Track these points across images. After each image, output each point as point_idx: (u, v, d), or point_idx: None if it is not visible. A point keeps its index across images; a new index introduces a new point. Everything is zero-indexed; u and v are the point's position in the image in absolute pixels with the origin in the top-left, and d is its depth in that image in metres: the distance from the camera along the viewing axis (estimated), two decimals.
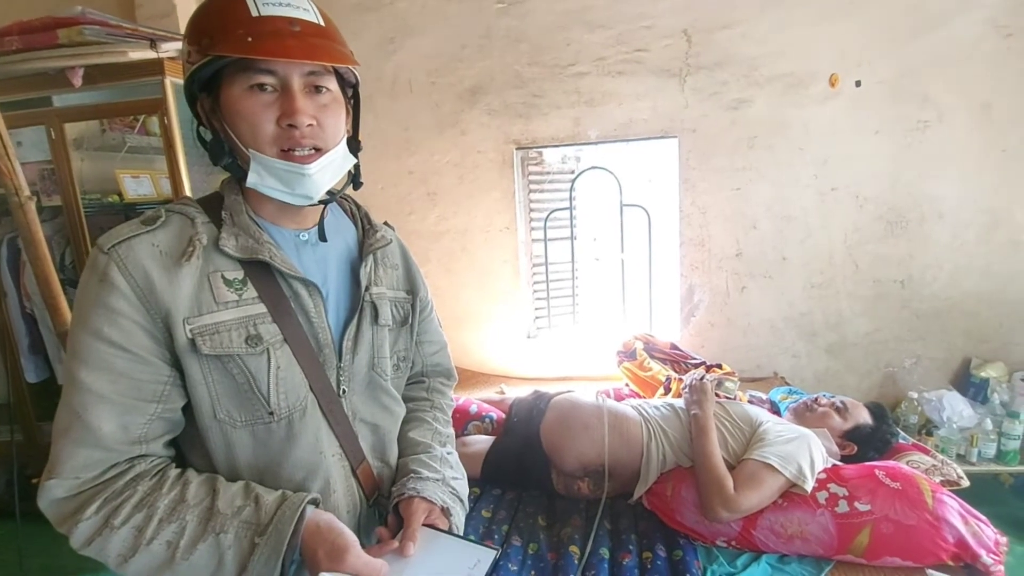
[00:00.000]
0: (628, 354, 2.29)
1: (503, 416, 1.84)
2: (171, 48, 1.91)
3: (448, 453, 0.93)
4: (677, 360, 2.31)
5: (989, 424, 2.16)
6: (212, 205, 0.75)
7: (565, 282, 2.76)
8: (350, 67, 0.74)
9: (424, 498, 0.81)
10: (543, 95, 2.48)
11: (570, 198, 2.65)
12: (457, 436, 1.77)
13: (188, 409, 0.71)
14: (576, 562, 1.30)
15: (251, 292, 0.71)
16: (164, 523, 0.64)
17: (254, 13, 0.65)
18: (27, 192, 1.39)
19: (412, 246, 0.99)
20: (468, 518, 1.46)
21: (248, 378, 0.70)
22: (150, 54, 1.85)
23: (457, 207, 2.65)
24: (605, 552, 1.33)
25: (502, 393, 2.41)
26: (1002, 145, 2.26)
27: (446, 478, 0.87)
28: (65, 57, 1.79)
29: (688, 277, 2.55)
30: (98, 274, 0.65)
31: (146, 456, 0.69)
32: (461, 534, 0.84)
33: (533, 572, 1.30)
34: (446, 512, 0.82)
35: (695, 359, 2.30)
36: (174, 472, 0.69)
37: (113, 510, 0.64)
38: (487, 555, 0.74)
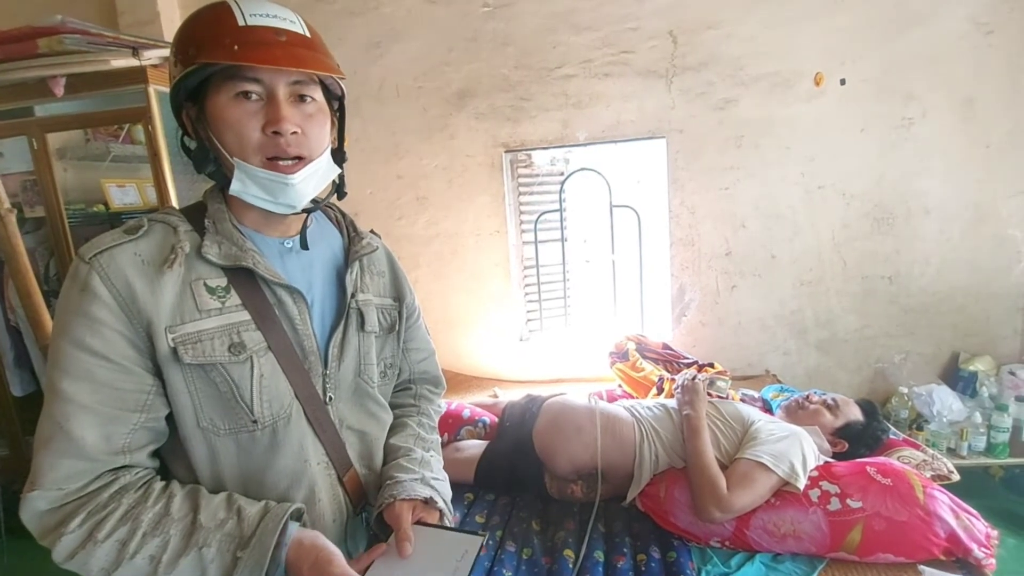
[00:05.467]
0: (620, 355, 2.29)
1: (496, 420, 1.83)
2: (154, 55, 1.90)
3: (430, 456, 0.93)
4: (669, 360, 2.31)
5: (978, 417, 2.18)
6: (195, 214, 0.75)
7: (556, 284, 2.76)
8: (336, 79, 0.75)
9: (404, 499, 0.80)
10: (531, 98, 2.48)
11: (560, 200, 2.65)
12: (451, 441, 1.77)
13: (171, 418, 0.71)
14: (571, 566, 1.29)
15: (234, 299, 0.71)
16: (148, 537, 0.63)
17: (241, 23, 0.66)
18: (7, 205, 1.37)
19: (402, 251, 0.99)
20: (462, 524, 1.46)
21: (231, 386, 0.70)
22: (133, 62, 1.84)
23: (447, 211, 2.64)
24: (599, 555, 1.33)
25: (495, 397, 2.41)
26: (986, 141, 2.29)
27: (425, 478, 0.86)
28: (46, 66, 1.77)
29: (678, 277, 2.55)
30: (79, 284, 0.64)
31: (131, 467, 0.68)
32: (448, 525, 0.83)
33: None
34: (431, 503, 0.82)
35: (687, 358, 2.31)
36: (159, 485, 0.69)
37: (97, 523, 0.63)
38: (473, 542, 0.74)
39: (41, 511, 0.63)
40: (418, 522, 0.79)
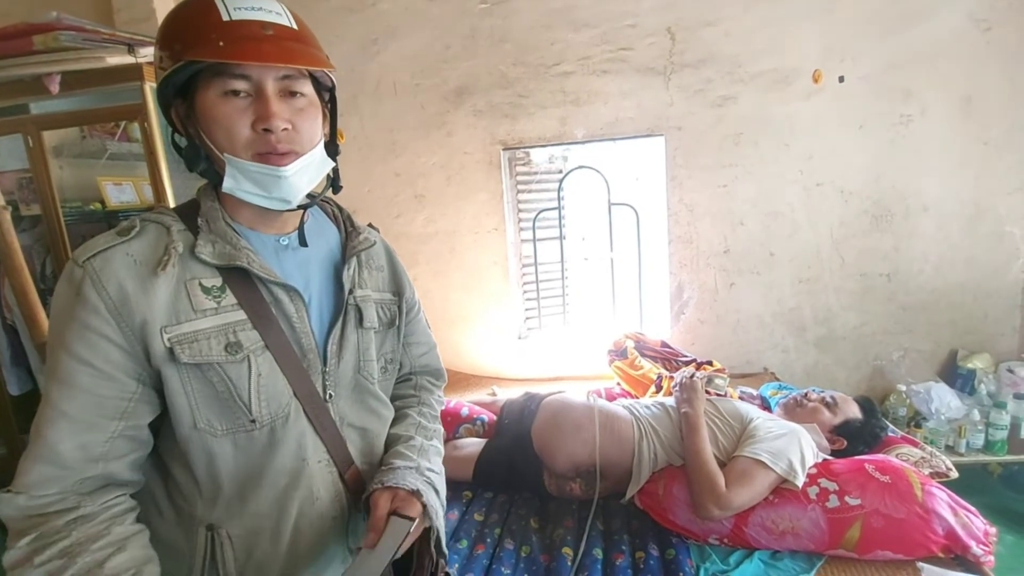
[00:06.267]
0: (619, 353, 2.29)
1: (495, 418, 1.83)
2: (150, 53, 1.88)
3: (430, 445, 0.91)
4: (668, 358, 2.31)
5: (976, 415, 2.18)
6: (188, 213, 0.74)
7: (555, 282, 2.75)
8: (326, 71, 0.73)
9: (388, 487, 0.78)
10: (529, 95, 2.48)
11: (558, 198, 2.65)
12: (449, 439, 1.76)
13: (168, 421, 0.70)
14: (569, 563, 1.29)
15: (230, 299, 0.71)
16: None
17: (225, 18, 0.65)
18: (1, 203, 1.36)
19: (401, 248, 0.98)
20: (460, 522, 1.46)
21: (228, 386, 0.69)
22: (128, 59, 1.83)
23: (445, 209, 2.64)
24: (598, 553, 1.33)
25: (493, 395, 2.40)
26: (984, 138, 2.28)
27: (420, 467, 0.84)
28: (41, 64, 1.76)
29: (677, 275, 2.55)
30: (72, 288, 0.64)
31: (101, 491, 0.67)
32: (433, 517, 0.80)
33: (526, 575, 1.29)
34: (417, 495, 0.78)
35: (685, 356, 2.30)
36: (119, 530, 0.66)
37: (40, 547, 0.62)
38: (403, 527, 0.73)
39: (5, 516, 0.63)
40: (395, 512, 0.76)
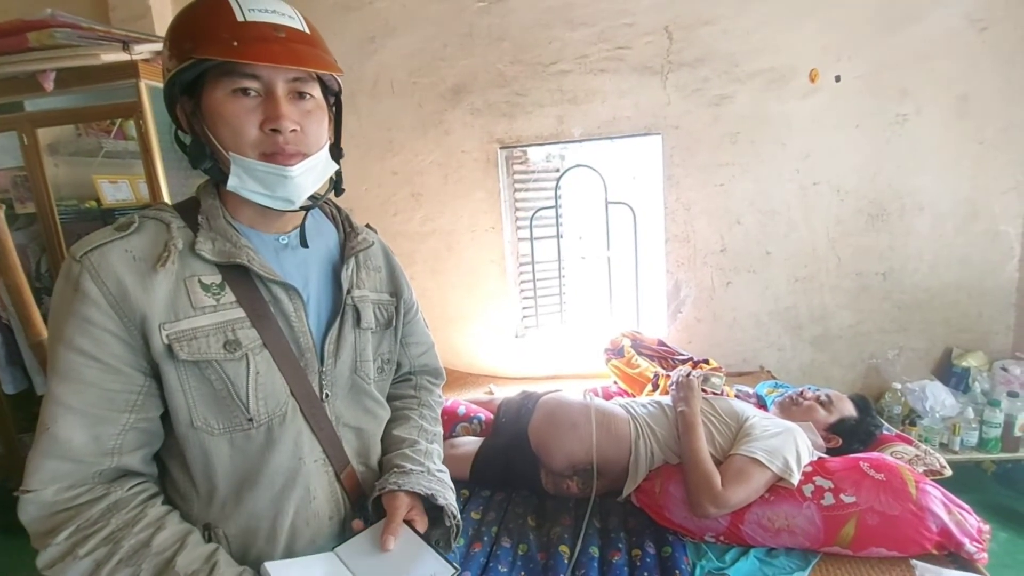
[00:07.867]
0: (616, 351, 2.29)
1: (491, 417, 1.83)
2: (145, 50, 1.88)
3: (433, 448, 0.93)
4: (665, 356, 2.32)
5: (971, 413, 2.19)
6: (188, 210, 0.74)
7: (552, 281, 2.76)
8: (333, 75, 0.74)
9: (407, 492, 0.80)
10: (526, 93, 2.48)
11: (555, 196, 2.65)
12: (446, 438, 1.76)
13: (167, 418, 0.70)
14: (566, 562, 1.29)
15: (229, 297, 0.71)
16: (122, 565, 0.63)
17: (240, 18, 0.65)
18: None
19: (397, 247, 0.99)
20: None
21: (227, 384, 0.70)
22: (123, 56, 1.82)
23: (442, 207, 2.64)
24: (595, 551, 1.33)
25: (491, 393, 2.40)
26: (979, 137, 2.29)
27: (431, 470, 0.86)
28: (36, 61, 1.75)
29: (674, 273, 2.56)
30: (71, 283, 0.64)
31: (126, 478, 0.68)
32: (445, 529, 0.81)
33: (523, 573, 1.29)
34: (433, 498, 0.81)
35: (682, 355, 2.31)
36: (154, 511, 0.68)
37: (82, 539, 0.63)
38: (445, 570, 0.72)
39: (32, 516, 0.63)
40: (408, 522, 0.78)
